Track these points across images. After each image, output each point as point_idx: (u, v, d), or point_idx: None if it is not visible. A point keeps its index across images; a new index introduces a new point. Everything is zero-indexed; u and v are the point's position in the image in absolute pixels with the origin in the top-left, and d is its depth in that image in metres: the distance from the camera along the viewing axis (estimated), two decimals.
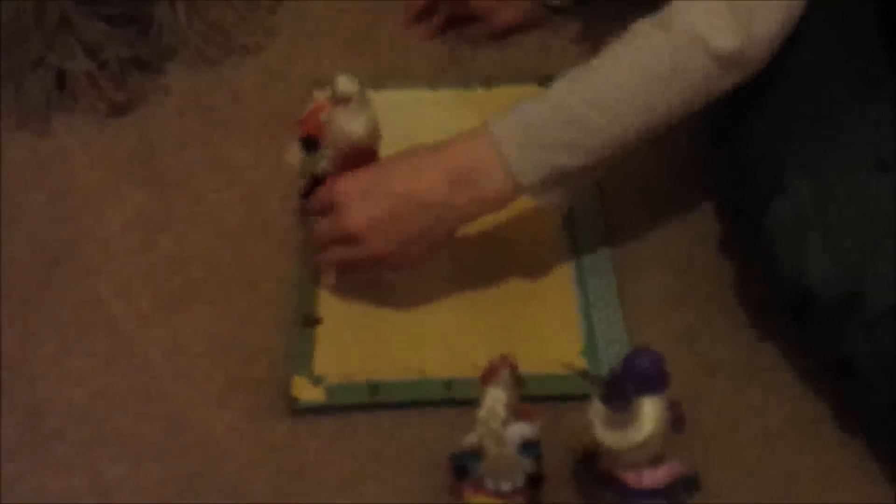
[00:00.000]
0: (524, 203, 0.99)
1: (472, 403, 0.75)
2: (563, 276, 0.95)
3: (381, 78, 1.12)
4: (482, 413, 0.74)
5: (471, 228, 0.98)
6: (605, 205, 1.01)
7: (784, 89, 0.89)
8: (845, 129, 0.85)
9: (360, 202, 0.86)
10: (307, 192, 0.94)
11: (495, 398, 0.74)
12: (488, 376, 0.76)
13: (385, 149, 0.95)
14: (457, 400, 0.85)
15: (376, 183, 0.86)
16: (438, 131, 1.05)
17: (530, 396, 0.79)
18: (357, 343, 0.90)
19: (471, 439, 0.76)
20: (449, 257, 0.96)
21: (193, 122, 1.11)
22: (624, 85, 0.83)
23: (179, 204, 1.03)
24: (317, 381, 0.87)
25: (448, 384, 0.87)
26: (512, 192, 0.85)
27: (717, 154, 0.97)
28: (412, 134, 1.06)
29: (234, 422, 0.86)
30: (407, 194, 0.85)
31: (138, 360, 0.90)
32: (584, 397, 0.78)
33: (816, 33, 0.90)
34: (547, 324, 0.92)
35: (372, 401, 0.86)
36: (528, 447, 0.76)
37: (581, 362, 0.88)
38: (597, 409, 0.74)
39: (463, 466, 0.77)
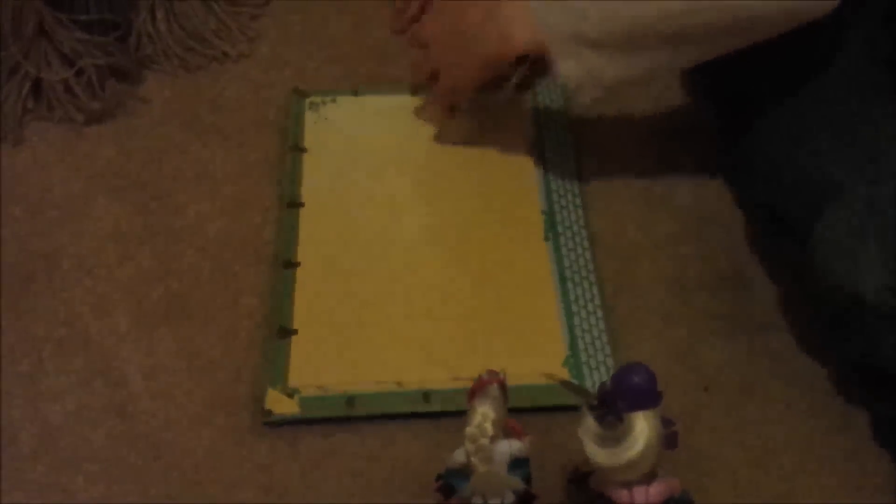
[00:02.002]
0: (507, 209, 0.99)
1: (451, 415, 0.73)
2: (544, 285, 0.93)
3: (364, 84, 1.11)
4: (470, 430, 0.72)
5: (453, 235, 0.97)
6: (591, 212, 0.99)
7: (827, 99, 0.89)
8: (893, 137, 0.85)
9: (431, 17, 1.03)
10: None
11: (483, 415, 0.72)
12: (476, 392, 0.74)
13: (370, 153, 1.02)
14: (435, 412, 0.83)
15: (442, 6, 1.00)
16: (422, 137, 1.06)
17: (512, 408, 0.76)
18: (333, 354, 0.88)
19: (458, 457, 0.74)
20: (427, 265, 0.94)
21: (173, 131, 1.08)
22: None
23: (158, 216, 1.00)
24: (291, 393, 0.85)
25: (427, 395, 0.85)
26: (535, 42, 0.91)
27: (744, 163, 0.96)
28: (395, 140, 1.06)
29: (214, 442, 0.84)
30: (453, 19, 0.97)
31: (116, 378, 0.88)
32: (569, 408, 0.75)
33: (850, 47, 0.91)
34: (528, 333, 0.89)
35: (348, 413, 0.84)
36: (518, 465, 0.74)
37: (563, 373, 0.86)
38: (587, 426, 0.72)
39: (450, 485, 0.75)
